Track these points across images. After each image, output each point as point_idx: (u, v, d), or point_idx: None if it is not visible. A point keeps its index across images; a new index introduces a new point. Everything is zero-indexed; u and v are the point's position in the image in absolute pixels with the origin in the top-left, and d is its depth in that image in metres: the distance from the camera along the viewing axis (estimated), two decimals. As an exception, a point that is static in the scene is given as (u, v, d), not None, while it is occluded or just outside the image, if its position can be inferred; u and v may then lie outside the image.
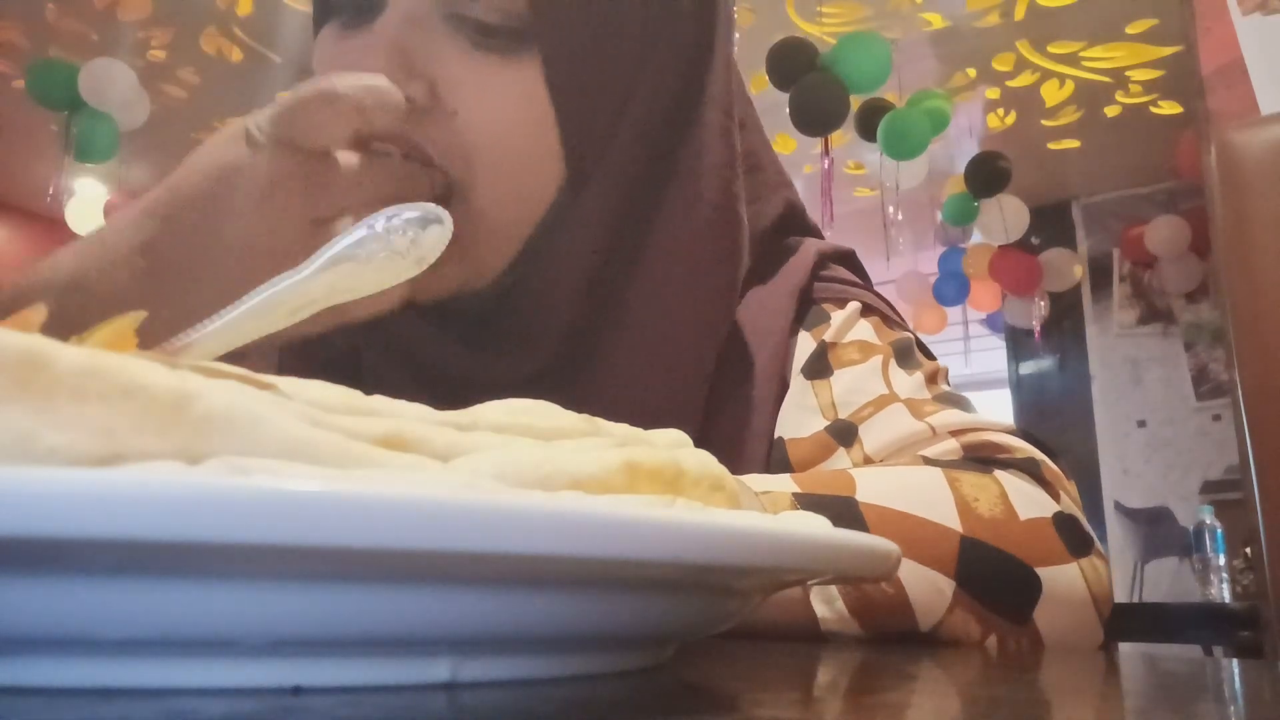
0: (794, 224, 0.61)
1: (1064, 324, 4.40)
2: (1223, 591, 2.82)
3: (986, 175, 3.55)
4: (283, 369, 0.54)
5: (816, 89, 2.86)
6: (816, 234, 0.63)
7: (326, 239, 0.41)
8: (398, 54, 0.45)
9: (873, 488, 0.41)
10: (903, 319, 0.59)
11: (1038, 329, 4.11)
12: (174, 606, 0.16)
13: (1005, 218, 3.59)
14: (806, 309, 0.57)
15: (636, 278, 0.51)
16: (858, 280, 0.60)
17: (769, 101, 3.02)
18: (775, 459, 0.51)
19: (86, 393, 0.16)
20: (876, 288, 0.62)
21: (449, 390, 0.49)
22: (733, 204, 0.54)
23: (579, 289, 0.50)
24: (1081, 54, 3.39)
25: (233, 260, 0.41)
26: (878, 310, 0.58)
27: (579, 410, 0.24)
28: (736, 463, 0.50)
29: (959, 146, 3.82)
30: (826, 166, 3.15)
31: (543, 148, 0.49)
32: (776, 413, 0.53)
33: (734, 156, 0.55)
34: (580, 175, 0.50)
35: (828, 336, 0.55)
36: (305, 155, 0.41)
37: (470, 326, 0.52)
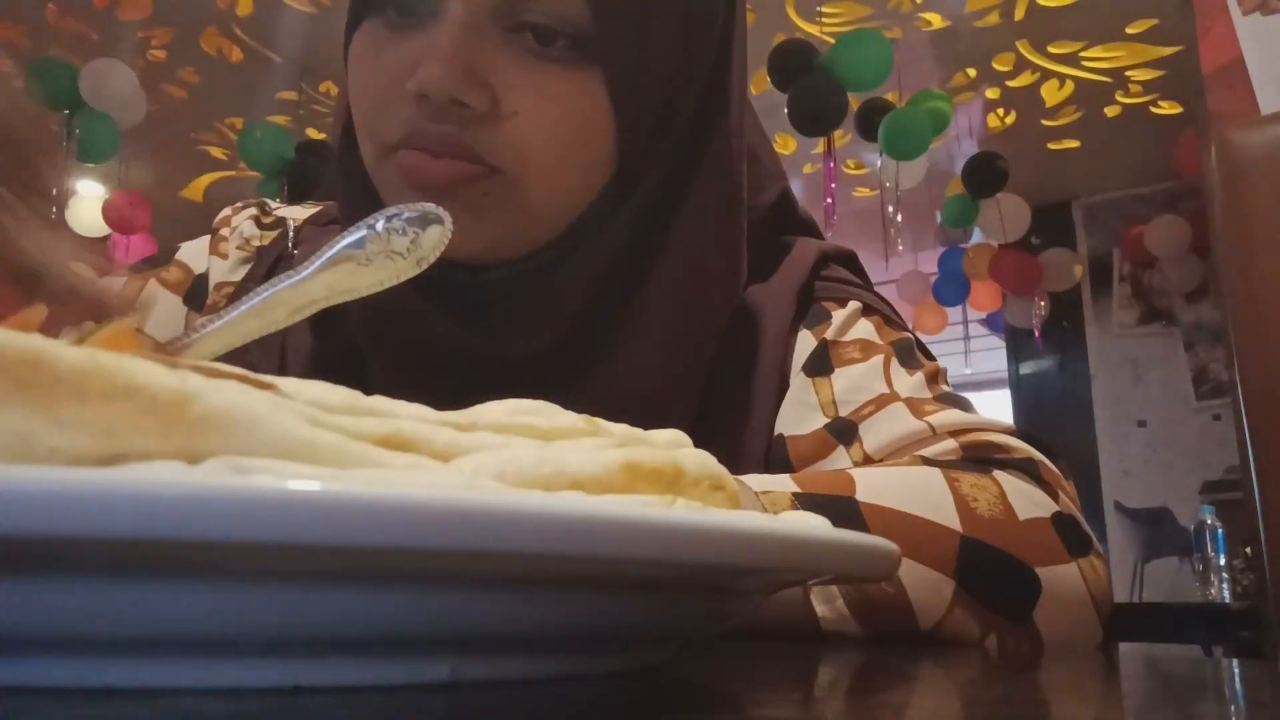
0: (789, 214, 0.62)
1: (1064, 324, 4.40)
2: (1223, 592, 2.82)
3: (984, 175, 3.55)
4: (285, 367, 0.54)
5: (815, 90, 2.86)
6: (812, 227, 0.64)
7: None
8: (460, 61, 0.45)
9: (873, 488, 0.41)
10: (903, 320, 0.60)
11: (1038, 330, 4.11)
12: (174, 606, 0.16)
13: (1004, 216, 3.59)
14: (807, 307, 0.57)
15: (654, 269, 0.52)
16: (858, 281, 0.60)
17: (769, 102, 3.02)
18: (775, 456, 0.51)
19: (86, 393, 0.16)
20: (877, 288, 0.62)
21: (449, 369, 0.50)
22: (741, 198, 0.54)
23: (599, 277, 0.51)
24: (1081, 54, 3.40)
25: None
26: (879, 311, 0.58)
27: (577, 397, 0.24)
28: (735, 459, 0.51)
29: (959, 146, 3.82)
30: (830, 166, 3.16)
31: (598, 150, 0.49)
32: (776, 410, 0.53)
33: (744, 152, 0.55)
34: (627, 178, 0.51)
35: (829, 335, 0.55)
36: None
37: (476, 305, 0.52)
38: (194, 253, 0.61)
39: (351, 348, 0.52)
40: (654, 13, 0.49)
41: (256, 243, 0.60)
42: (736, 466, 0.29)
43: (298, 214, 0.63)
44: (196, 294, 0.59)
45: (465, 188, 0.46)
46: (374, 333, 0.51)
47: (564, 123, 0.47)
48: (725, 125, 0.54)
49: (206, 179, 4.29)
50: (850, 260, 0.62)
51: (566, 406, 0.24)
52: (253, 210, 0.63)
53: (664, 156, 0.51)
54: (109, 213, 3.60)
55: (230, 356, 0.53)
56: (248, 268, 0.59)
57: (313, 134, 3.76)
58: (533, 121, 0.46)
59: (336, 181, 0.64)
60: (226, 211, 0.63)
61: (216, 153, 4.11)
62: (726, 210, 0.53)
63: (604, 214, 0.51)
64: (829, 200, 3.14)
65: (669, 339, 0.51)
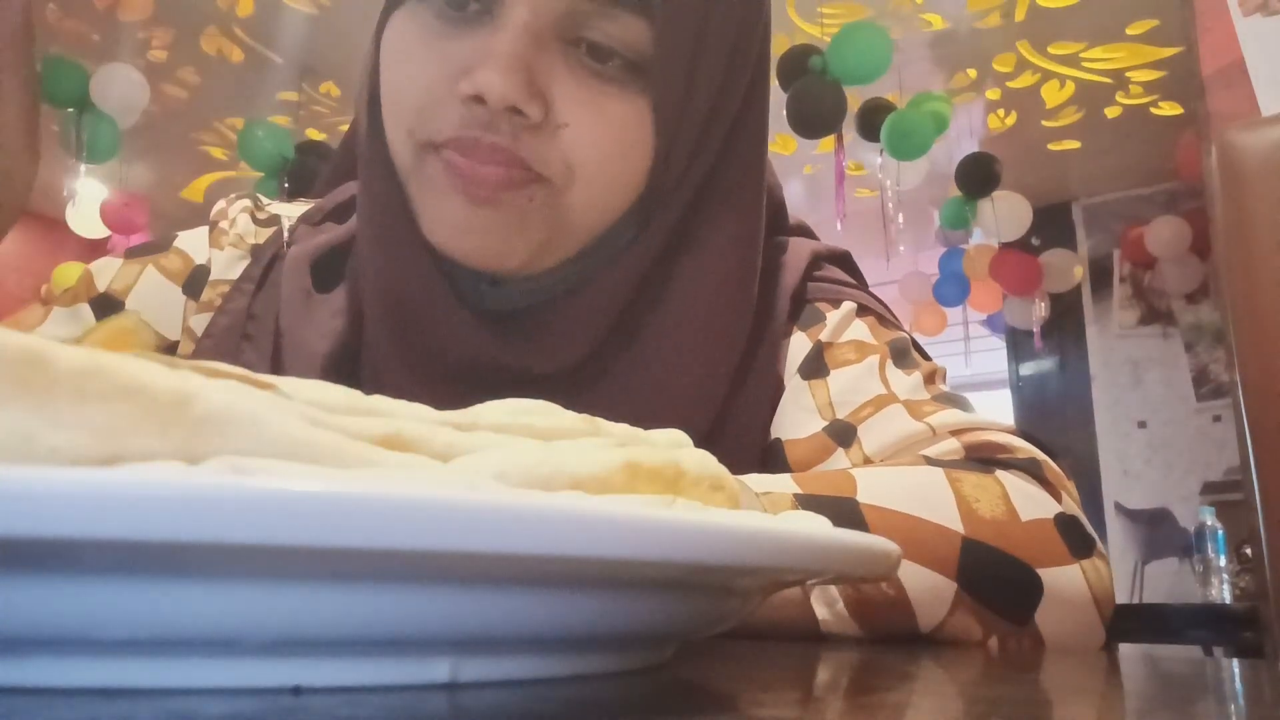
0: (779, 216, 0.62)
1: (1064, 325, 4.40)
2: (1223, 592, 2.82)
3: (977, 176, 3.56)
4: (276, 371, 0.53)
5: (813, 92, 2.87)
6: (803, 228, 0.64)
7: None
8: (521, 68, 0.44)
9: (874, 488, 0.41)
10: (898, 320, 0.59)
11: (1037, 332, 4.12)
12: (174, 606, 0.16)
13: (1005, 214, 3.60)
14: (800, 309, 0.57)
15: (673, 294, 0.52)
16: (852, 281, 0.60)
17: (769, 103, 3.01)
18: (774, 460, 0.51)
19: (86, 393, 0.16)
20: (878, 288, 0.62)
21: (466, 378, 0.49)
22: (760, 229, 0.55)
23: (621, 301, 0.51)
24: (1082, 55, 3.40)
25: None
26: (873, 310, 0.58)
27: (602, 411, 0.24)
28: (731, 462, 0.50)
29: (960, 147, 3.82)
30: (840, 162, 3.17)
31: (637, 167, 0.49)
32: (772, 412, 0.53)
33: (765, 185, 0.56)
34: (655, 199, 0.51)
35: (823, 336, 0.55)
36: None
37: (503, 317, 0.52)
38: (193, 242, 0.60)
39: (353, 347, 0.52)
40: (707, 45, 0.49)
41: (252, 240, 0.59)
42: (732, 471, 0.29)
43: (291, 211, 0.62)
44: (195, 283, 0.58)
45: (512, 193, 0.46)
46: (395, 334, 0.51)
47: (611, 141, 0.47)
48: (752, 158, 0.54)
49: (206, 179, 4.29)
50: (844, 260, 0.62)
51: None
52: (247, 204, 0.62)
53: (689, 186, 0.52)
54: (107, 213, 3.60)
55: (226, 356, 0.53)
56: (243, 265, 0.58)
57: (313, 134, 3.76)
58: (583, 136, 0.46)
59: (340, 170, 0.64)
60: (221, 204, 0.62)
61: (216, 153, 4.11)
62: (747, 241, 0.54)
63: (628, 233, 0.51)
64: (839, 198, 3.16)
65: (686, 357, 0.51)
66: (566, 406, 0.24)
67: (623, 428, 0.24)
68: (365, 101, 0.52)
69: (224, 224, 0.60)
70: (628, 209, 0.51)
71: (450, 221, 0.47)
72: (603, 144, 0.47)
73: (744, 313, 0.53)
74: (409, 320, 0.50)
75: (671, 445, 0.24)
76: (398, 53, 0.48)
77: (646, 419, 0.49)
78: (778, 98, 2.90)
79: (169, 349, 0.57)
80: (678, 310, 0.52)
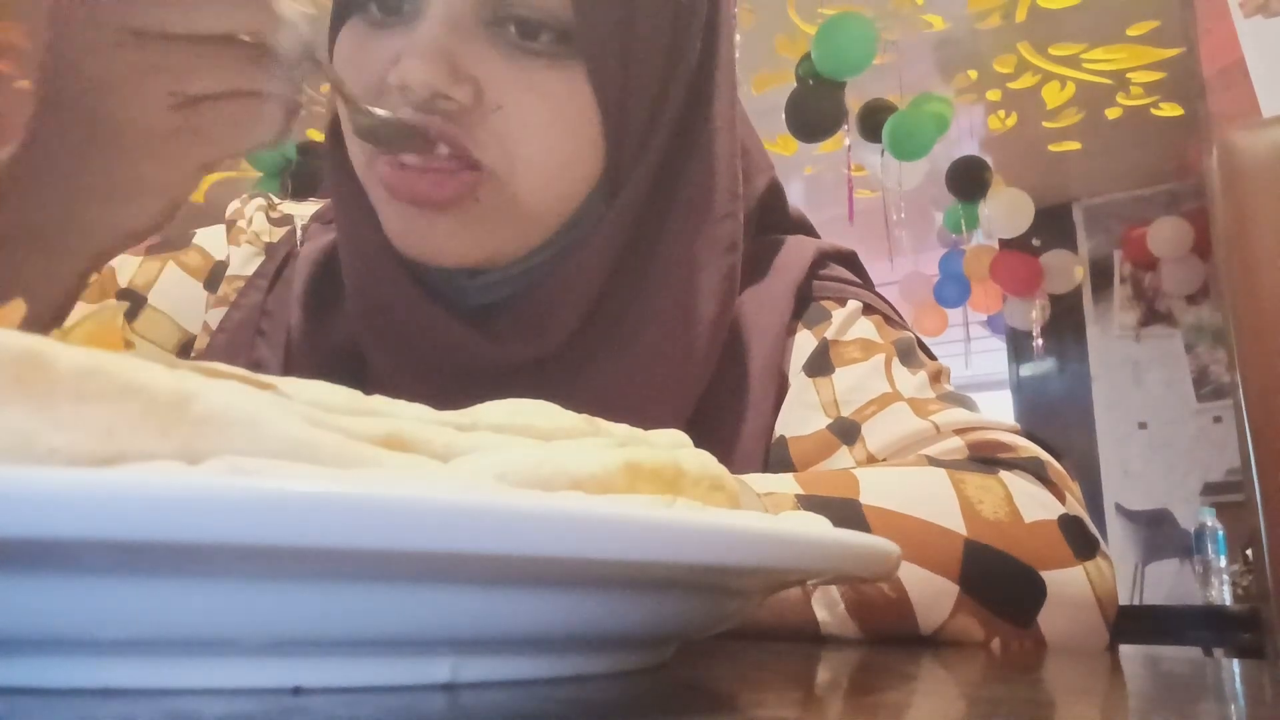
0: (778, 209, 0.61)
1: (1065, 326, 4.40)
2: (1223, 594, 2.82)
3: (968, 179, 3.57)
4: (288, 366, 0.54)
5: (811, 96, 2.87)
6: (804, 224, 0.64)
7: (195, 119, 0.41)
8: (443, 57, 0.45)
9: (876, 489, 0.41)
10: (903, 320, 0.59)
11: (1036, 333, 4.12)
12: (174, 606, 0.16)
13: (1006, 212, 3.60)
14: (805, 306, 0.57)
15: (650, 266, 0.52)
16: (858, 280, 0.60)
17: (769, 103, 3.03)
18: (777, 457, 0.51)
19: (86, 393, 0.16)
20: (879, 289, 0.62)
21: (450, 372, 0.50)
22: (737, 192, 0.54)
23: (598, 278, 0.51)
24: (1083, 56, 3.40)
25: (110, 141, 0.42)
26: (879, 310, 0.58)
27: (575, 401, 0.24)
28: (734, 460, 0.50)
29: (960, 148, 3.83)
30: (847, 158, 3.18)
31: (584, 146, 0.49)
32: (775, 410, 0.53)
33: (737, 145, 0.55)
34: (617, 173, 0.50)
35: (829, 334, 0.54)
36: (170, 40, 0.40)
37: (478, 309, 0.52)
38: (212, 240, 0.62)
39: (355, 347, 0.52)
40: (638, 3, 0.48)
41: (266, 238, 0.61)
42: (735, 468, 0.29)
43: (304, 210, 0.63)
44: (214, 280, 0.60)
45: (457, 194, 0.46)
46: (377, 333, 0.51)
47: (550, 117, 0.47)
48: (715, 117, 0.53)
49: (207, 179, 4.28)
50: (850, 260, 0.62)
51: (566, 408, 0.24)
52: (261, 202, 0.63)
53: (653, 151, 0.51)
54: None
55: (240, 350, 0.54)
56: (258, 262, 0.60)
57: (313, 134, 3.76)
58: (518, 116, 0.46)
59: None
60: (236, 203, 0.64)
61: (217, 153, 4.10)
62: (721, 204, 0.53)
63: (596, 212, 0.51)
64: (848, 194, 3.17)
65: (668, 337, 0.51)
66: (554, 393, 0.24)
67: (623, 428, 0.24)
68: (328, 121, 0.53)
69: (241, 222, 0.62)
70: (592, 187, 0.50)
71: (403, 228, 0.48)
72: (541, 122, 0.47)
73: (730, 273, 0.53)
74: (386, 324, 0.51)
75: (671, 445, 0.24)
76: (342, 62, 0.49)
77: (635, 399, 0.49)
78: (777, 99, 2.91)
79: (188, 343, 0.59)
80: (659, 284, 0.51)
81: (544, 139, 0.47)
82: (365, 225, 0.50)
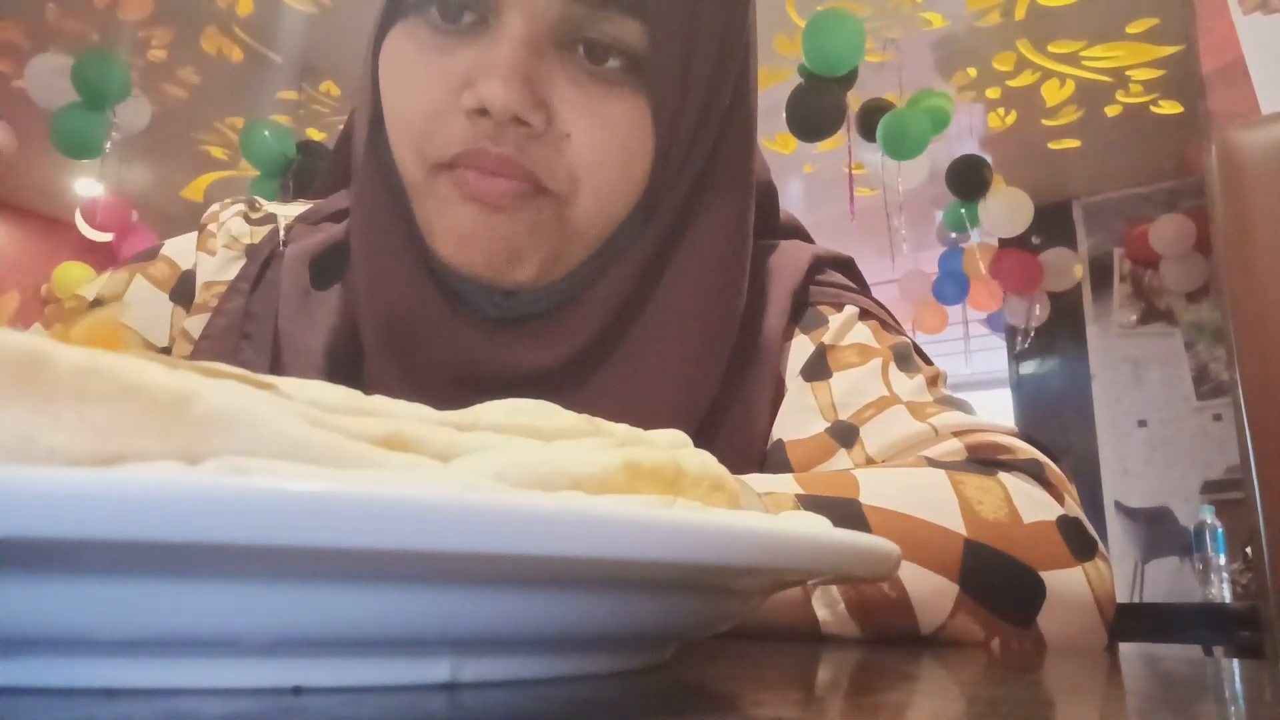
0: (772, 214, 0.62)
1: (1064, 324, 4.40)
2: (1223, 591, 2.82)
3: (968, 178, 3.57)
4: (275, 368, 0.53)
5: (810, 95, 2.87)
6: (798, 229, 0.64)
7: None
8: (524, 80, 0.44)
9: (876, 490, 0.41)
10: (900, 325, 0.59)
11: (1024, 324, 4.12)
12: (174, 606, 0.16)
13: (1006, 211, 3.60)
14: (801, 311, 0.57)
15: (664, 283, 0.52)
16: (854, 286, 0.60)
17: (769, 102, 3.01)
18: (775, 460, 0.51)
19: (86, 393, 0.16)
20: (878, 287, 0.62)
21: (457, 380, 0.49)
22: (750, 215, 0.55)
23: (621, 300, 0.51)
24: (1082, 54, 3.40)
25: None
26: (876, 315, 0.58)
27: (582, 409, 0.24)
28: (731, 463, 0.50)
29: (960, 146, 3.82)
30: (848, 155, 3.18)
31: (637, 172, 0.49)
32: (773, 414, 0.53)
33: (755, 170, 0.56)
34: (655, 198, 0.51)
35: (826, 339, 0.55)
36: None
37: (503, 321, 0.52)
38: (180, 249, 0.60)
39: (352, 344, 0.52)
40: (698, 38, 0.49)
41: (246, 240, 0.59)
42: (732, 471, 0.29)
43: (288, 211, 0.62)
44: (183, 290, 0.58)
45: (523, 204, 0.46)
46: (388, 339, 0.50)
47: (614, 145, 0.47)
48: (743, 147, 0.54)
49: (206, 179, 4.29)
50: (847, 265, 0.62)
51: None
52: (241, 207, 0.61)
53: (688, 177, 0.52)
54: (86, 216, 3.59)
55: (225, 356, 0.53)
56: (238, 266, 0.58)
57: (313, 134, 3.76)
58: (586, 145, 0.46)
59: (335, 175, 0.64)
60: (215, 208, 0.62)
61: (216, 153, 4.10)
62: (738, 226, 0.54)
63: (630, 234, 0.51)
64: (850, 198, 3.18)
65: (682, 349, 0.51)
66: (565, 401, 0.24)
67: (623, 428, 0.24)
68: (366, 121, 0.52)
69: (212, 226, 0.60)
70: (630, 211, 0.51)
71: (460, 229, 0.47)
72: (606, 151, 0.47)
73: (735, 296, 0.53)
74: (404, 333, 0.50)
75: (671, 445, 0.24)
76: (397, 71, 0.48)
77: (643, 406, 0.49)
78: (777, 99, 2.90)
79: None
80: (672, 297, 0.52)
81: (607, 167, 0.48)
82: (396, 238, 0.50)
